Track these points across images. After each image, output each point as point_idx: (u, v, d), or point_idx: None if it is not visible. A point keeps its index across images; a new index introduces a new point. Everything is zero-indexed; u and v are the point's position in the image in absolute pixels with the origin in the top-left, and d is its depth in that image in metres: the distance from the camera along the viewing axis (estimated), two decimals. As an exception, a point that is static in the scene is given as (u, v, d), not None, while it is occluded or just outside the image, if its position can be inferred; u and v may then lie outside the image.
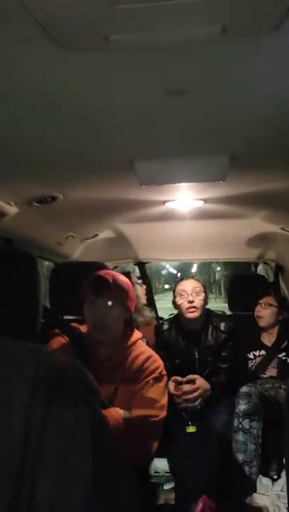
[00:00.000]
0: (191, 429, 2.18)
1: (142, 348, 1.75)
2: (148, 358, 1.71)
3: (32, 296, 1.12)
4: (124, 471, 0.66)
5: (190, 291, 2.36)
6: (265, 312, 2.65)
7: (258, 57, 0.82)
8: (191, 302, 2.33)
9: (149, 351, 1.77)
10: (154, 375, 1.68)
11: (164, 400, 1.70)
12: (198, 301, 2.35)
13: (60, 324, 1.85)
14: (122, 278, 1.75)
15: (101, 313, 1.67)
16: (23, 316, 1.09)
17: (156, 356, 1.76)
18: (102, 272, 1.73)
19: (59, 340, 1.79)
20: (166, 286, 21.48)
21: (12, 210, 1.71)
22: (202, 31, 0.73)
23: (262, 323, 2.65)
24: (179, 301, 2.36)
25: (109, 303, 1.67)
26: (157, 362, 1.73)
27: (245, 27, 0.73)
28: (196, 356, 2.44)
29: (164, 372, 1.74)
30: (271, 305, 2.66)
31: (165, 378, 1.74)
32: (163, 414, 1.67)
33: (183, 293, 2.36)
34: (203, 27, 0.73)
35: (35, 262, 1.21)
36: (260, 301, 2.67)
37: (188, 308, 2.33)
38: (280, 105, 1.03)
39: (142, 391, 1.66)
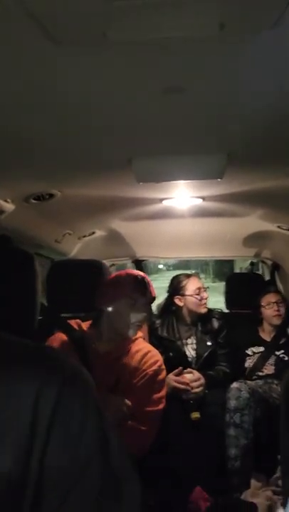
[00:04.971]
0: (196, 414, 2.23)
1: (141, 345, 1.79)
2: (147, 353, 1.75)
3: (29, 294, 1.12)
4: (129, 469, 0.66)
5: (202, 288, 2.61)
6: (282, 310, 2.68)
7: (256, 54, 0.82)
8: (206, 299, 2.60)
9: (148, 347, 1.80)
10: (152, 368, 1.72)
11: (163, 393, 1.74)
12: (207, 297, 2.63)
13: (58, 322, 1.86)
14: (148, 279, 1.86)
15: (144, 312, 1.78)
16: (21, 313, 1.08)
17: (155, 351, 1.79)
18: (139, 274, 1.85)
19: (59, 337, 1.81)
20: (160, 266, 21.80)
21: (9, 207, 1.71)
22: (200, 28, 0.73)
23: (279, 320, 2.67)
24: (198, 297, 2.58)
25: (149, 303, 1.81)
26: (156, 356, 1.77)
27: (244, 23, 0.72)
28: (195, 345, 2.56)
29: (163, 366, 1.77)
30: (282, 301, 2.70)
31: (164, 372, 1.78)
32: (161, 405, 1.71)
33: (199, 291, 2.59)
34: (201, 23, 0.72)
35: (32, 259, 1.21)
36: (274, 300, 2.69)
37: (204, 304, 2.59)
38: (279, 102, 1.03)
39: (140, 384, 1.69)
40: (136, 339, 1.80)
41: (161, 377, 1.76)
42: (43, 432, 0.59)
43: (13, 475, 0.57)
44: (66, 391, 0.62)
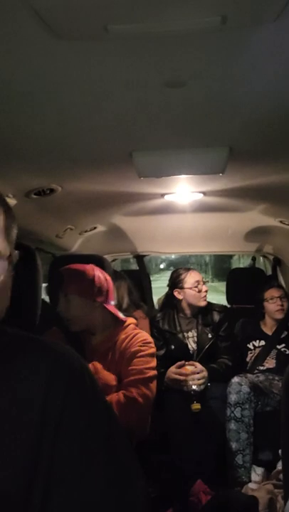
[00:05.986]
0: (196, 405, 2.25)
1: (129, 332, 1.80)
2: (134, 336, 1.78)
3: (31, 288, 1.13)
4: (133, 461, 0.67)
5: (201, 281, 2.63)
6: (285, 304, 2.70)
7: (258, 47, 0.81)
8: (206, 291, 2.60)
9: (136, 331, 1.82)
10: (138, 344, 1.74)
11: (152, 363, 1.76)
12: (206, 290, 2.64)
13: (56, 317, 1.87)
14: (83, 270, 1.78)
15: (62, 307, 1.75)
16: (23, 308, 1.09)
17: (142, 332, 1.82)
18: (63, 267, 1.80)
19: (55, 333, 1.83)
20: (162, 266, 21.92)
21: (10, 202, 1.70)
22: (202, 21, 0.72)
23: (281, 315, 2.68)
24: (197, 290, 2.59)
25: (67, 296, 1.74)
26: (143, 336, 1.79)
27: (246, 16, 0.72)
28: (196, 338, 2.58)
29: (152, 344, 1.79)
30: (285, 296, 2.70)
31: (152, 348, 1.79)
32: (148, 375, 1.71)
33: (198, 284, 2.61)
34: (203, 16, 0.72)
35: (34, 254, 1.21)
36: (277, 295, 2.70)
37: (203, 297, 2.59)
38: (280, 97, 1.02)
39: (125, 360, 1.73)
40: (125, 327, 1.81)
41: (146, 352, 1.75)
42: (52, 427, 0.60)
43: (24, 470, 0.58)
44: (73, 386, 0.63)
